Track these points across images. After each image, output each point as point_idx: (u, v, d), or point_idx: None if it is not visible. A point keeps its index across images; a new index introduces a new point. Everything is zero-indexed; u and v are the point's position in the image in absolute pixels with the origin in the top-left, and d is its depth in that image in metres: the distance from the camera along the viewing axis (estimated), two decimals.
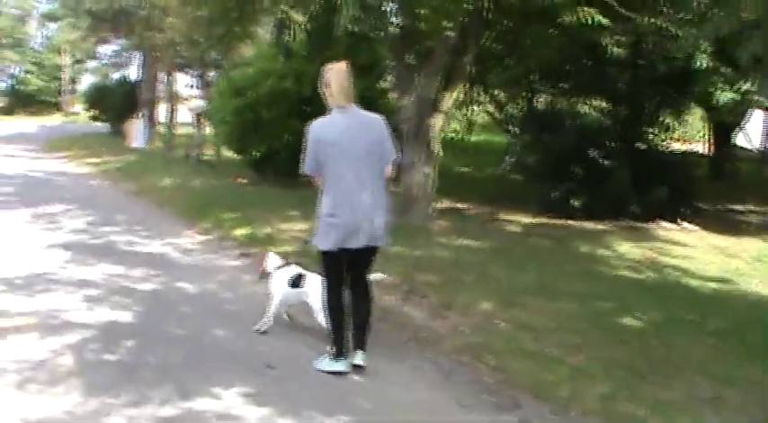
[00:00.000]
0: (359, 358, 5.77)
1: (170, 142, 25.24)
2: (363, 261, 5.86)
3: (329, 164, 5.53)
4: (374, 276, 6.17)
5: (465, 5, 10.28)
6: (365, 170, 5.56)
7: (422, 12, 10.41)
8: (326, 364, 5.80)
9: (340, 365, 5.74)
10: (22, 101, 59.29)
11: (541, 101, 20.82)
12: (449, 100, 11.87)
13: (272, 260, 6.94)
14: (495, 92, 21.85)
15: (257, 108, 16.23)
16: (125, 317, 7.10)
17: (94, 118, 35.39)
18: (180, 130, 27.88)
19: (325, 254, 5.71)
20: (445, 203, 13.96)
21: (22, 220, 12.14)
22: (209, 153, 22.69)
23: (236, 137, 17.03)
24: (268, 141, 16.31)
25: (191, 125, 24.03)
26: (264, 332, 6.68)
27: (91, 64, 49.05)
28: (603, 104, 16.30)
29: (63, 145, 29.05)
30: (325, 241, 5.63)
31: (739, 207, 16.34)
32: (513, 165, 20.88)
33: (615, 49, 10.94)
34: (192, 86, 32.52)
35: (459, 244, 10.42)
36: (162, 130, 29.04)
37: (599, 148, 14.06)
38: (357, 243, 5.59)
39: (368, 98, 17.37)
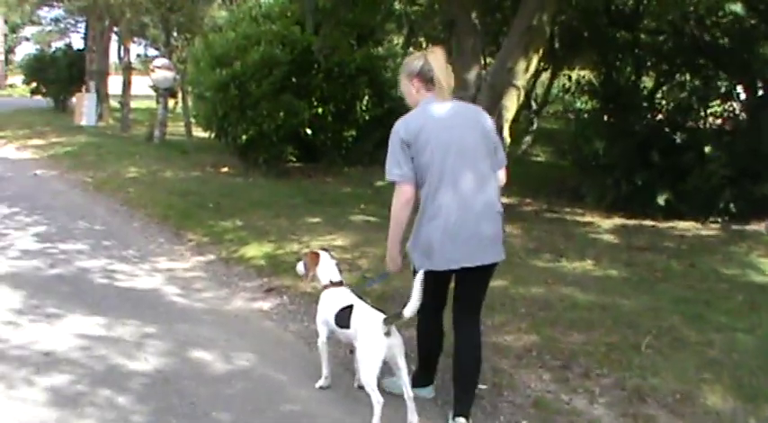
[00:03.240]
0: None
1: (125, 120, 21.84)
2: (481, 284, 4.42)
3: (434, 166, 4.13)
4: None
5: None
6: (480, 171, 4.23)
7: None
8: None
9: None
10: None
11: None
12: (526, 71, 8.98)
13: (325, 267, 4.91)
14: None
15: (244, 82, 13.07)
16: None
17: (35, 91, 31.45)
18: (134, 105, 24.40)
19: (429, 275, 4.16)
20: None
21: None
22: (175, 133, 19.39)
23: (218, 117, 13.77)
24: (258, 122, 13.19)
25: (152, 99, 20.75)
26: (325, 387, 4.91)
27: (29, 31, 44.84)
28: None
29: None
30: (439, 259, 4.15)
31: None
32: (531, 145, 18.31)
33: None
34: (144, 56, 29.13)
35: (570, 269, 7.67)
36: (114, 105, 25.40)
37: (684, 132, 11.33)
38: (483, 258, 4.20)
39: (367, 70, 14.61)
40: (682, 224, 10.44)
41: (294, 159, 15.09)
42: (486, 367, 5.11)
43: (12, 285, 6.97)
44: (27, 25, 44.17)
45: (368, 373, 4.26)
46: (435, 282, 4.24)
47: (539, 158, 17.93)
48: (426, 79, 4.25)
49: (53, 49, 33.39)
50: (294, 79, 13.62)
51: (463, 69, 9.10)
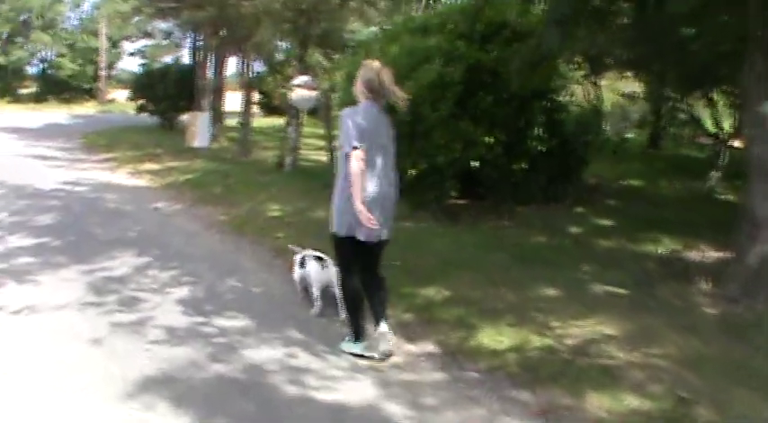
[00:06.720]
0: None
1: (246, 142, 19.71)
2: (380, 254, 5.80)
3: (385, 151, 5.50)
4: None
5: None
6: (389, 161, 5.56)
7: None
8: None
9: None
10: (54, 87, 53.23)
11: None
12: None
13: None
14: None
15: (420, 104, 10.51)
16: None
17: (141, 108, 29.64)
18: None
19: (351, 240, 5.52)
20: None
21: (74, 299, 6.89)
22: (306, 158, 17.09)
23: None
24: (431, 153, 10.83)
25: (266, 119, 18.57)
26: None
27: (130, 45, 43.52)
28: None
29: (105, 142, 23.06)
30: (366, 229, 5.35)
31: None
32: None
33: None
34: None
35: None
36: (230, 124, 23.18)
37: None
38: (385, 234, 5.60)
39: (544, 93, 12.23)
40: None
41: (453, 195, 12.71)
42: None
43: (170, 396, 4.81)
44: (130, 40, 42.91)
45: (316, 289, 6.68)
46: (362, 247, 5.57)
47: (729, 197, 15.15)
48: (371, 89, 5.52)
49: (162, 63, 31.72)
50: (470, 103, 11.25)
51: (755, 101, 6.76)
